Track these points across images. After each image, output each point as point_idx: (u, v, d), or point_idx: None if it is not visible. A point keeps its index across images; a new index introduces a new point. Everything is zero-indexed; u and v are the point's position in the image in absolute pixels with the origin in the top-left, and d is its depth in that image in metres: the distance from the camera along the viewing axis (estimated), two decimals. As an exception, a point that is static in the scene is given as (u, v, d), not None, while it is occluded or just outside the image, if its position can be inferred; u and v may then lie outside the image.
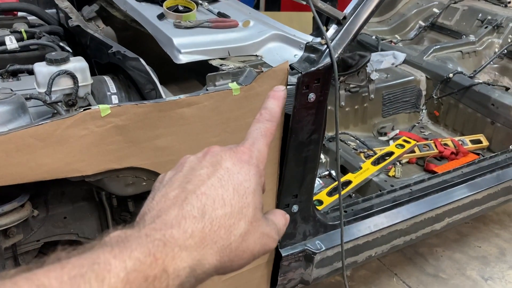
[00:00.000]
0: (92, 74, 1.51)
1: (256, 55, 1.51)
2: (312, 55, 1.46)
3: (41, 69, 1.38)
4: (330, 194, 2.22)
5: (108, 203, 1.64)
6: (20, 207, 1.30)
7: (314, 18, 3.80)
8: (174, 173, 0.53)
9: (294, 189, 1.62)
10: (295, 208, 1.66)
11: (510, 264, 2.61)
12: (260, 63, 1.50)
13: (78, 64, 1.42)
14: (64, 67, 1.39)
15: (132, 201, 1.59)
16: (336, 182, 2.30)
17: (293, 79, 1.42)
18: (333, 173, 2.46)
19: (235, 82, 1.36)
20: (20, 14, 2.15)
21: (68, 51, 1.73)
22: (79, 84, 1.41)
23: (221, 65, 1.42)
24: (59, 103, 1.37)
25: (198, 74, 1.65)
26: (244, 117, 1.40)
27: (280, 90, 0.60)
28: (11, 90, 1.30)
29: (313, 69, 1.42)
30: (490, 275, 2.53)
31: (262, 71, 1.38)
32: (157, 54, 1.62)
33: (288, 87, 1.41)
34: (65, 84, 1.40)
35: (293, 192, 1.62)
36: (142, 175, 1.36)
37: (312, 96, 1.45)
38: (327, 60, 1.44)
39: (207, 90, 1.34)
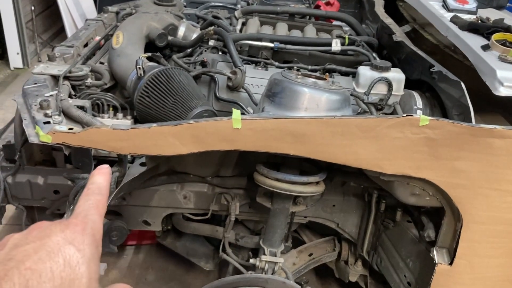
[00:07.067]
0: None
1: None
2: None
3: (365, 72, 1.56)
4: None
5: (375, 206, 1.75)
6: (317, 183, 1.50)
7: None
8: None
9: None
10: None
11: None
12: None
13: (396, 75, 1.56)
14: (385, 74, 1.54)
15: (401, 211, 1.66)
16: None
17: None
18: None
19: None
20: (335, 22, 2.44)
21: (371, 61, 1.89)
22: (392, 93, 1.55)
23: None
24: (373, 105, 1.53)
25: (505, 109, 1.63)
26: None
27: (104, 168, 0.59)
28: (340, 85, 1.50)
29: None
30: None
31: None
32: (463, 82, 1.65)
33: None
34: (381, 89, 1.55)
35: None
36: (429, 189, 1.41)
37: None
38: None
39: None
